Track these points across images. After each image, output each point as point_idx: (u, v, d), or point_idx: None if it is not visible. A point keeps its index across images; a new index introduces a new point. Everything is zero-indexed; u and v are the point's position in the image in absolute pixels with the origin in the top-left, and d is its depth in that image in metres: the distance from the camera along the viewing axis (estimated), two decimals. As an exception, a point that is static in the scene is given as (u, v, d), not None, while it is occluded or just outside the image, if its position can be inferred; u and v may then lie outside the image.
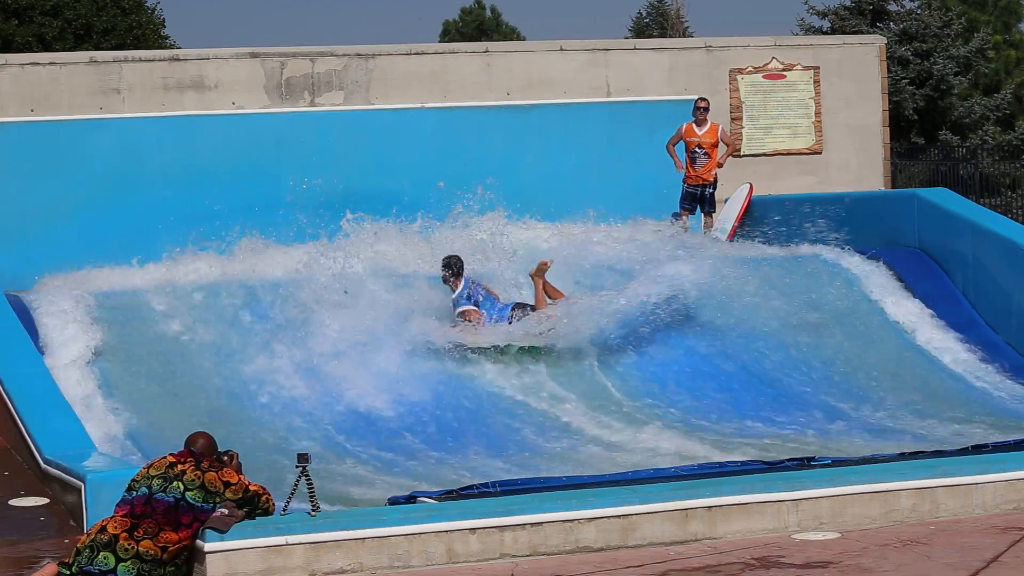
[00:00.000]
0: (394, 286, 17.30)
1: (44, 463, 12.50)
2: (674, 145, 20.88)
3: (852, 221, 19.89)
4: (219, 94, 20.59)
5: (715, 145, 20.84)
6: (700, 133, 20.82)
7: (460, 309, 16.91)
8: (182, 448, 10.42)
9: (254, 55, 20.80)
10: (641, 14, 50.65)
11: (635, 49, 22.60)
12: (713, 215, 21.05)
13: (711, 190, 20.89)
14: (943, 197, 19.44)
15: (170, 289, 17.01)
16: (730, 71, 22.43)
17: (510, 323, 16.77)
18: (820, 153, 22.71)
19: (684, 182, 20.90)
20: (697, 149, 20.81)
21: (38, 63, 20.26)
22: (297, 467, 10.69)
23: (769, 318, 17.98)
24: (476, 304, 16.97)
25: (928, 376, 17.20)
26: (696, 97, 21.09)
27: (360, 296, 17.03)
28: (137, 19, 35.42)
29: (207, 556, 10.09)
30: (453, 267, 17.09)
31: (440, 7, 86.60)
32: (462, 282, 17.05)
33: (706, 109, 20.84)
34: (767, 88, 22.51)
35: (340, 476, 13.77)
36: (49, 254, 18.68)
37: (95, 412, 14.68)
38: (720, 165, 20.77)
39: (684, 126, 20.88)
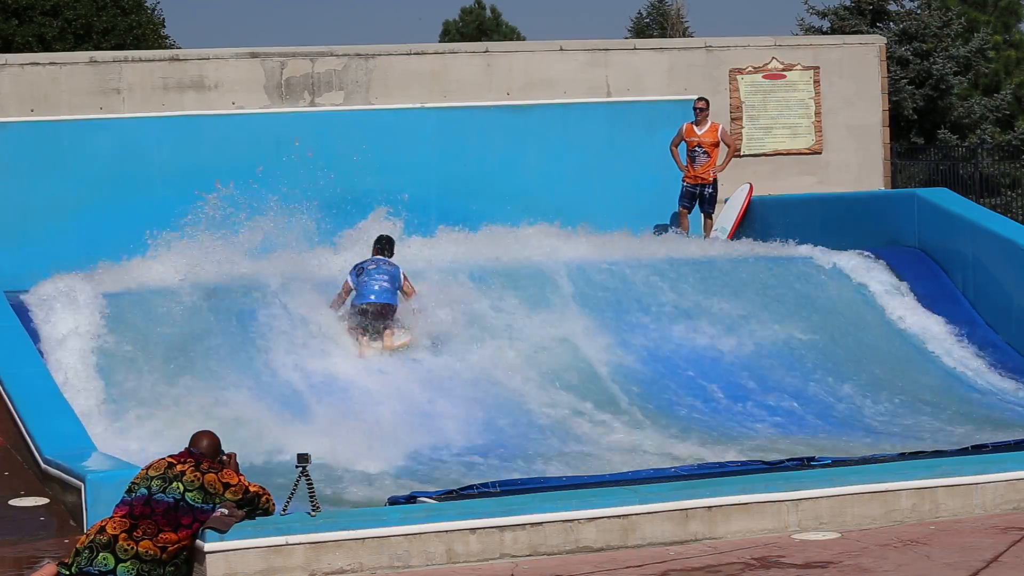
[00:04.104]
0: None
1: (44, 463, 12.50)
2: (676, 146, 20.93)
3: (852, 221, 19.90)
4: (219, 94, 20.60)
5: (715, 145, 20.86)
6: (700, 133, 20.85)
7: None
8: (184, 448, 10.42)
9: (254, 55, 20.80)
10: (641, 14, 50.65)
11: (635, 49, 22.61)
12: (713, 216, 21.06)
13: (711, 190, 20.90)
14: (943, 197, 19.44)
15: (170, 289, 17.00)
16: (730, 71, 22.44)
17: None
18: (820, 153, 22.71)
19: (683, 181, 20.93)
20: (697, 148, 20.84)
21: (38, 63, 20.26)
22: (297, 467, 10.69)
23: (769, 318, 17.99)
24: (360, 273, 16.88)
25: (927, 376, 17.20)
26: (695, 97, 21.11)
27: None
28: (137, 19, 35.43)
29: (207, 556, 10.09)
30: (378, 243, 17.29)
31: (440, 7, 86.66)
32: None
33: (704, 110, 20.86)
34: (767, 88, 22.52)
35: (340, 476, 13.77)
36: (49, 254, 18.67)
37: (95, 412, 14.68)
38: (720, 169, 20.79)
39: (684, 126, 20.92)
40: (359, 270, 16.92)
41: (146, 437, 14.46)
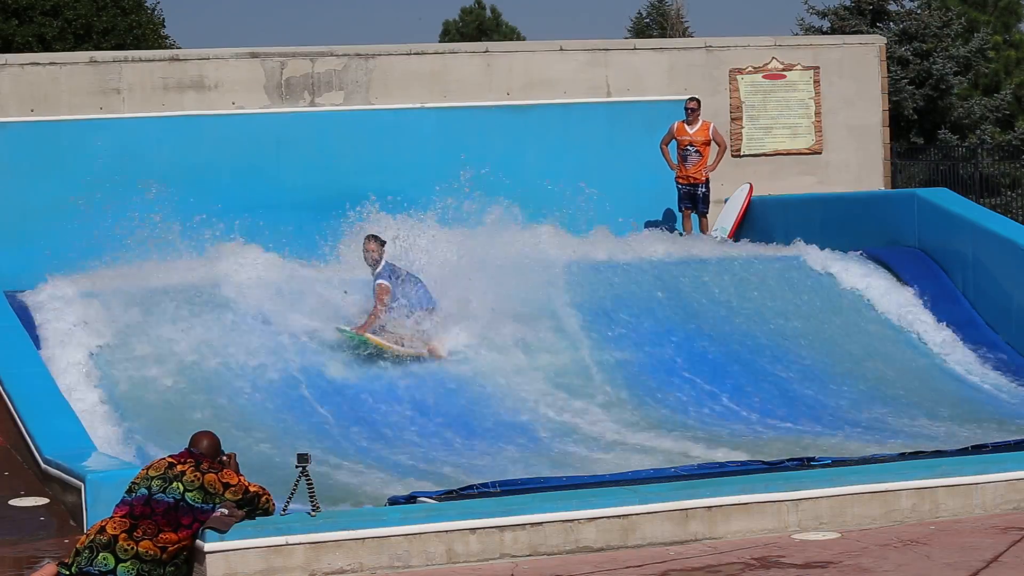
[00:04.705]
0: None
1: (44, 463, 12.50)
2: (667, 144, 20.94)
3: (852, 221, 19.90)
4: (219, 94, 20.60)
5: (707, 144, 20.87)
6: (691, 132, 20.85)
7: (379, 281, 16.71)
8: (183, 448, 10.42)
9: (254, 55, 20.80)
10: (641, 14, 50.67)
11: (635, 49, 22.61)
12: (707, 216, 21.04)
13: (704, 190, 20.90)
14: (943, 197, 19.44)
15: (170, 289, 17.00)
16: (730, 71, 22.43)
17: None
18: (820, 153, 22.70)
19: (676, 182, 20.94)
20: (688, 148, 20.85)
21: (38, 63, 20.26)
22: (297, 467, 10.69)
23: (768, 318, 18.00)
24: (402, 280, 16.76)
25: (928, 376, 17.20)
26: (687, 98, 21.10)
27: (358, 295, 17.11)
28: (137, 19, 35.42)
29: (207, 556, 10.09)
30: (380, 240, 16.93)
31: (440, 7, 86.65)
32: (383, 260, 16.86)
33: (695, 110, 20.86)
34: (767, 88, 22.51)
35: (340, 476, 13.76)
36: (49, 254, 18.67)
37: (95, 412, 14.67)
38: (711, 169, 20.79)
39: (675, 124, 20.93)
40: (398, 276, 16.80)
41: (145, 437, 14.46)
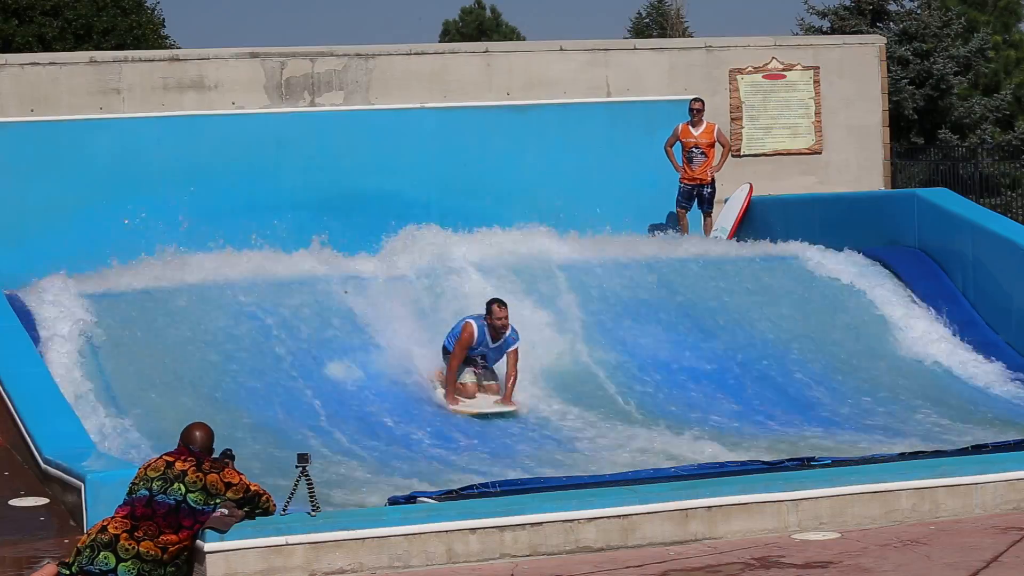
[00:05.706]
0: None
1: (44, 463, 12.50)
2: (671, 146, 20.94)
3: (852, 221, 19.90)
4: (219, 94, 20.60)
5: (711, 145, 20.88)
6: (696, 133, 20.85)
7: (519, 345, 16.22)
8: (179, 444, 10.36)
9: (254, 55, 20.81)
10: (641, 14, 50.70)
11: (635, 49, 22.62)
12: (711, 216, 21.06)
13: (709, 190, 20.92)
14: (943, 197, 19.43)
15: (170, 289, 17.00)
16: (730, 71, 22.43)
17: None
18: (820, 153, 22.71)
19: (680, 181, 20.94)
20: (694, 149, 20.85)
21: (38, 63, 20.27)
22: (297, 467, 10.69)
23: (768, 318, 17.99)
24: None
25: (928, 376, 17.19)
26: (691, 98, 21.11)
27: (360, 297, 17.12)
28: (137, 19, 35.43)
29: (207, 556, 10.09)
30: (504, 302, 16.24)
31: (440, 7, 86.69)
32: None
33: (700, 111, 20.87)
34: (767, 88, 22.51)
35: (340, 476, 13.76)
36: (49, 254, 18.67)
37: (94, 412, 14.67)
38: (716, 170, 20.81)
39: (680, 126, 20.92)
40: None
41: (145, 437, 14.45)
